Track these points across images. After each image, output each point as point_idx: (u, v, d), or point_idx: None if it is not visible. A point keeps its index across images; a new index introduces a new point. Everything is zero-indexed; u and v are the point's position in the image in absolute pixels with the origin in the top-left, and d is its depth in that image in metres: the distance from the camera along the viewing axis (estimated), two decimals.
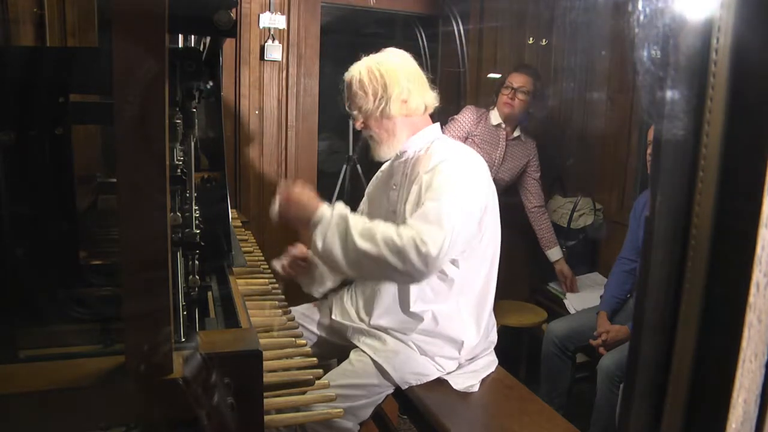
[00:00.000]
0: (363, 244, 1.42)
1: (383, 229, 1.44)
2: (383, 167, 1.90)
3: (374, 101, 1.61)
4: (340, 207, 1.51)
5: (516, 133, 2.88)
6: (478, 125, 2.83)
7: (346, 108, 1.70)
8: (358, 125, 1.68)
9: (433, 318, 1.63)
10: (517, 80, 2.77)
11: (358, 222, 1.46)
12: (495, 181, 2.69)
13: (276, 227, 3.10)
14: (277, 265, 1.80)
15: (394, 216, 1.69)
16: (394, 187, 1.74)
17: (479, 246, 1.64)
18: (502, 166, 2.87)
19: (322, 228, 1.46)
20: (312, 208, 1.50)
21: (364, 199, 1.96)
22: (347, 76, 1.67)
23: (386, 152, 1.69)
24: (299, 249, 1.79)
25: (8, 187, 0.85)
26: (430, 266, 1.43)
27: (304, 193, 1.53)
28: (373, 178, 1.95)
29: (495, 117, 2.84)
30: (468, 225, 1.54)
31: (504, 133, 2.86)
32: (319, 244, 1.47)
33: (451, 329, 1.65)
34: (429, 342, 1.66)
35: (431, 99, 1.68)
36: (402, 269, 1.42)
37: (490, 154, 2.83)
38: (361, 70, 1.63)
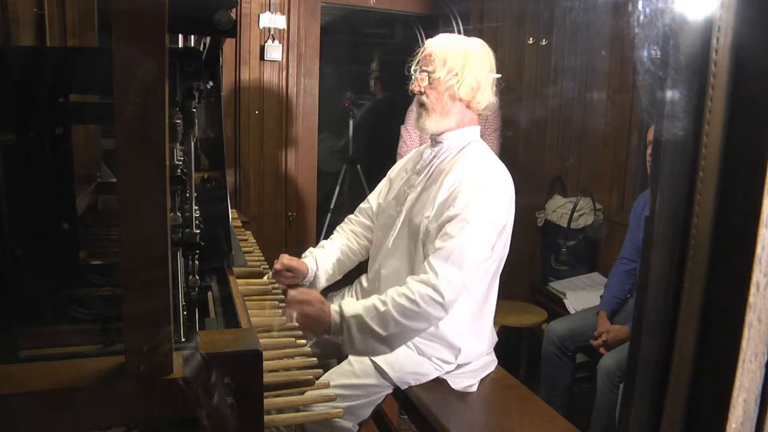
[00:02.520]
0: (388, 330, 1.49)
1: (395, 302, 1.48)
2: (411, 154, 1.91)
3: (448, 74, 1.61)
4: (349, 306, 1.52)
5: None
6: None
7: (411, 70, 1.69)
8: (417, 88, 1.66)
9: None
10: None
11: (371, 311, 1.50)
12: None
13: (275, 228, 3.10)
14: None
15: (405, 200, 1.73)
16: (417, 170, 1.76)
17: (486, 261, 1.63)
18: None
19: (346, 338, 1.51)
20: (324, 320, 1.51)
21: (385, 180, 1.97)
22: (433, 40, 1.67)
23: (430, 125, 1.68)
24: (281, 262, 1.78)
25: (8, 187, 0.85)
26: (450, 307, 1.52)
27: (312, 305, 1.52)
28: (400, 161, 1.96)
29: None
30: (486, 254, 1.59)
31: None
32: (353, 352, 1.56)
33: (450, 335, 1.65)
34: (427, 344, 1.66)
35: (492, 103, 1.69)
36: (428, 325, 1.55)
37: None
38: (451, 43, 1.65)
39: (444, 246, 1.51)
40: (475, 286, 1.65)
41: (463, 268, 1.50)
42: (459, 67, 1.61)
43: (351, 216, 2.02)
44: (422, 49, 1.68)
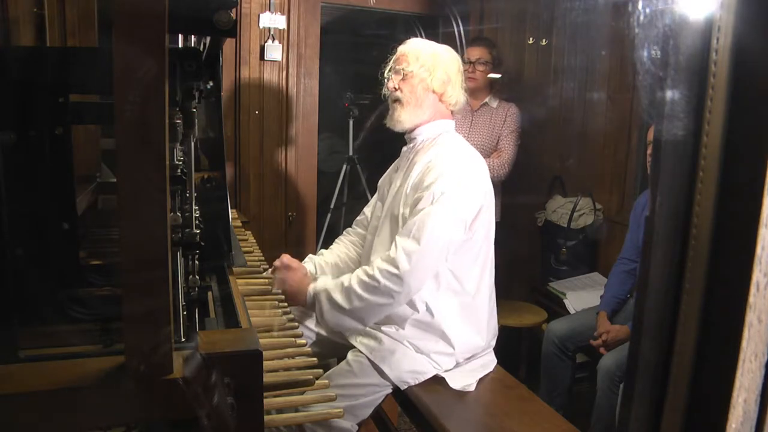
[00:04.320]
0: (352, 303, 1.57)
1: (358, 279, 1.58)
2: (396, 161, 1.94)
3: (420, 68, 1.70)
4: (322, 281, 1.65)
5: (485, 101, 2.91)
6: None
7: (386, 74, 1.77)
8: (392, 85, 1.74)
9: (428, 310, 1.65)
10: (474, 53, 2.85)
11: (338, 286, 1.61)
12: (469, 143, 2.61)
13: (275, 228, 3.11)
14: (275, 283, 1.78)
15: (390, 196, 1.78)
16: (397, 170, 1.83)
17: (471, 246, 1.66)
18: (471, 133, 2.91)
19: (317, 310, 1.62)
20: (302, 290, 1.64)
21: (375, 196, 2.00)
22: (404, 44, 1.77)
23: (405, 119, 1.74)
24: (281, 261, 1.77)
25: (8, 187, 0.85)
26: (409, 279, 1.55)
27: (296, 274, 1.67)
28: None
29: None
30: (456, 231, 1.61)
31: (469, 106, 2.92)
32: (323, 323, 1.65)
33: (445, 325, 1.66)
34: (423, 338, 1.67)
35: (462, 100, 1.77)
36: (392, 300, 1.58)
37: (458, 129, 2.87)
38: (421, 43, 1.76)
39: (408, 222, 1.59)
40: (467, 274, 1.67)
41: (422, 240, 1.55)
42: (430, 62, 1.70)
43: (348, 228, 2.06)
44: (395, 54, 1.77)
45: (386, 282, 1.54)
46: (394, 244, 1.58)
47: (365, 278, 1.57)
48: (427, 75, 1.69)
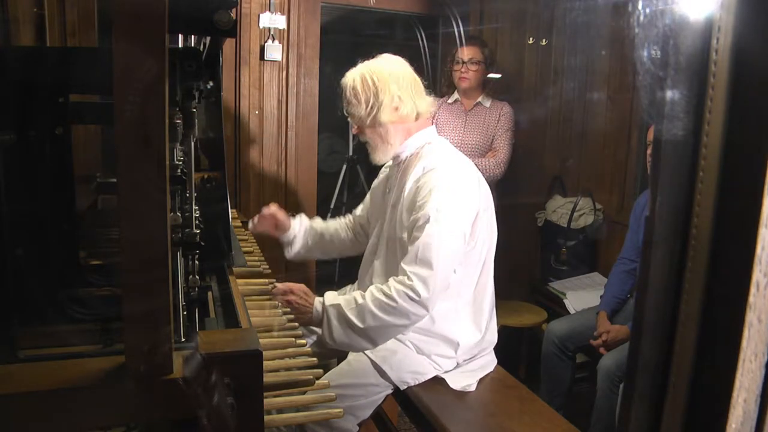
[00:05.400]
0: (365, 322, 1.52)
1: (373, 297, 1.53)
2: (385, 167, 1.93)
3: (366, 108, 1.62)
4: (330, 297, 1.59)
5: (478, 101, 2.91)
6: (437, 111, 2.90)
7: (344, 112, 1.72)
8: (354, 130, 1.72)
9: (430, 317, 1.64)
10: (467, 53, 2.84)
11: (350, 303, 1.55)
12: (463, 144, 2.66)
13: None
14: (251, 223, 1.86)
15: (387, 219, 1.74)
16: (388, 190, 1.80)
17: (472, 251, 1.65)
18: (465, 133, 2.91)
19: (326, 328, 1.56)
20: (307, 310, 1.58)
21: (367, 196, 2.00)
22: (343, 82, 1.68)
23: (381, 157, 1.73)
24: (271, 208, 1.86)
25: (8, 187, 0.85)
26: (429, 305, 1.53)
27: (296, 293, 1.59)
28: (377, 176, 1.98)
29: (453, 96, 2.95)
30: (459, 245, 1.59)
31: (463, 106, 2.92)
32: (331, 343, 1.57)
33: (447, 330, 1.65)
34: (426, 341, 1.66)
35: (425, 105, 1.68)
36: (408, 322, 1.54)
37: (453, 129, 2.90)
38: (354, 77, 1.65)
39: (411, 247, 1.54)
40: (468, 277, 1.67)
41: (433, 263, 1.51)
42: (371, 95, 1.61)
43: (349, 215, 2.07)
44: (342, 93, 1.70)
45: (405, 304, 1.50)
46: (402, 271, 1.54)
47: (381, 297, 1.52)
48: (375, 110, 1.61)
